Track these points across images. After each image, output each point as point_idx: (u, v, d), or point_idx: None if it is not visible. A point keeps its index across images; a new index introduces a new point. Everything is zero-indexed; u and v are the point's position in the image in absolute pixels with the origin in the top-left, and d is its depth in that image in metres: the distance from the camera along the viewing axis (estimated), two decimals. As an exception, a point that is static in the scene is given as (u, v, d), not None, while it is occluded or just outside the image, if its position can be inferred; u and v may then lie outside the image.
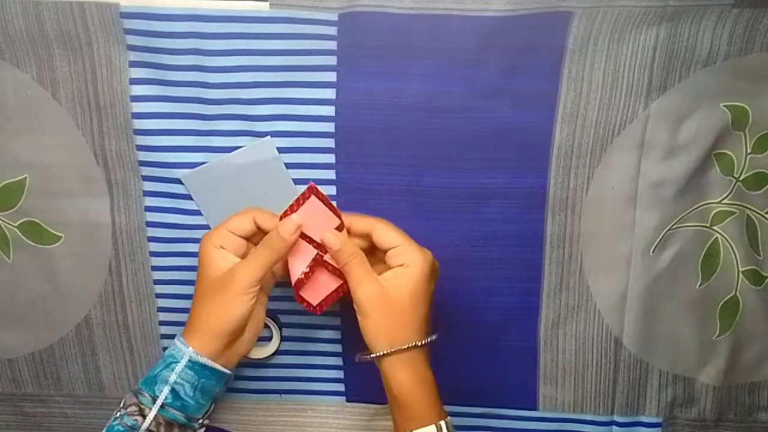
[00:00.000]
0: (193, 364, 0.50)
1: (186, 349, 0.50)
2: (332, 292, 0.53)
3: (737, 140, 0.55)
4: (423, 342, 0.50)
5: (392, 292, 0.49)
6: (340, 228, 0.52)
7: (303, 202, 0.51)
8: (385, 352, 0.49)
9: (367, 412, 0.63)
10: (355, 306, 0.50)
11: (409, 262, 0.50)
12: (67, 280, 0.60)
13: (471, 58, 0.52)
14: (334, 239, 0.51)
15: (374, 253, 0.52)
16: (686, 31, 0.51)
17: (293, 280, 0.53)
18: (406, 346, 0.49)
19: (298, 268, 0.52)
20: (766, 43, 0.52)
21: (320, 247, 0.52)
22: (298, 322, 0.61)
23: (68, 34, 0.53)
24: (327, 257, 0.52)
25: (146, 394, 0.49)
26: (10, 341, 0.62)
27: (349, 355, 0.61)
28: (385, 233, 0.51)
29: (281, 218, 0.51)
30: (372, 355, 0.50)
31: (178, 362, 0.49)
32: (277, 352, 0.61)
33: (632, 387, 0.60)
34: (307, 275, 0.52)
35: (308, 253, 0.52)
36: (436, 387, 0.50)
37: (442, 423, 0.48)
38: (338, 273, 0.52)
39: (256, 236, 0.52)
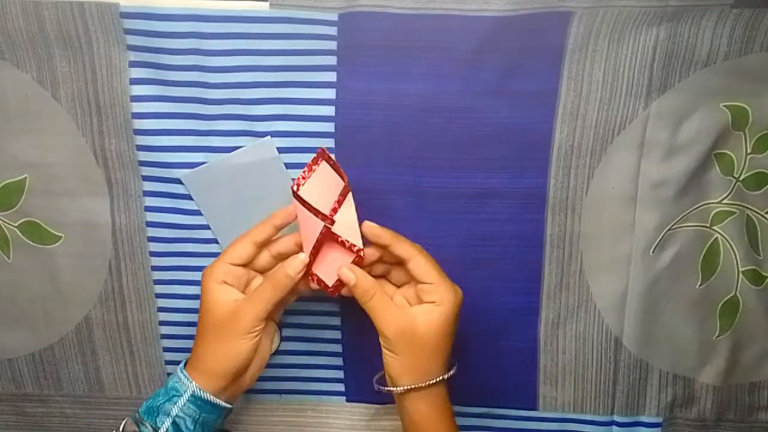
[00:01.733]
0: (195, 399, 0.50)
1: (189, 384, 0.50)
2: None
3: (737, 140, 0.55)
4: (447, 376, 0.51)
5: (420, 329, 0.49)
6: (345, 192, 0.51)
7: (314, 169, 0.50)
8: (409, 387, 0.50)
9: (367, 412, 0.63)
10: (381, 340, 0.50)
11: (440, 301, 0.50)
12: (67, 280, 0.60)
13: (471, 58, 0.52)
14: (348, 275, 0.50)
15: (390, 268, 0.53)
16: (686, 31, 0.51)
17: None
18: (431, 382, 0.50)
19: (306, 246, 0.51)
20: (766, 43, 0.52)
21: (327, 219, 0.50)
22: (298, 322, 0.61)
23: (68, 34, 0.53)
24: (335, 229, 0.50)
25: (147, 424, 0.49)
26: (10, 341, 0.62)
27: (349, 355, 0.61)
28: (423, 267, 0.50)
29: (293, 188, 0.50)
30: (394, 389, 0.51)
31: (181, 396, 0.50)
32: (276, 352, 0.61)
33: (632, 387, 0.60)
34: (316, 252, 0.51)
35: (315, 228, 0.50)
36: (452, 413, 0.52)
37: None
38: (349, 249, 0.51)
39: (259, 258, 0.52)
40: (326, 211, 0.50)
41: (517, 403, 0.62)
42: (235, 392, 0.53)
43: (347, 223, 0.51)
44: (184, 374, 0.50)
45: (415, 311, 0.50)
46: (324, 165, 0.51)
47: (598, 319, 0.59)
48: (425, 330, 0.49)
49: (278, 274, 0.50)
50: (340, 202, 0.51)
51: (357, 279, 0.50)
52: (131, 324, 0.61)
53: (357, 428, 0.63)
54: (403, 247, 0.51)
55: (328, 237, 0.50)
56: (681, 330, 0.59)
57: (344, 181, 0.51)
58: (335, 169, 0.51)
